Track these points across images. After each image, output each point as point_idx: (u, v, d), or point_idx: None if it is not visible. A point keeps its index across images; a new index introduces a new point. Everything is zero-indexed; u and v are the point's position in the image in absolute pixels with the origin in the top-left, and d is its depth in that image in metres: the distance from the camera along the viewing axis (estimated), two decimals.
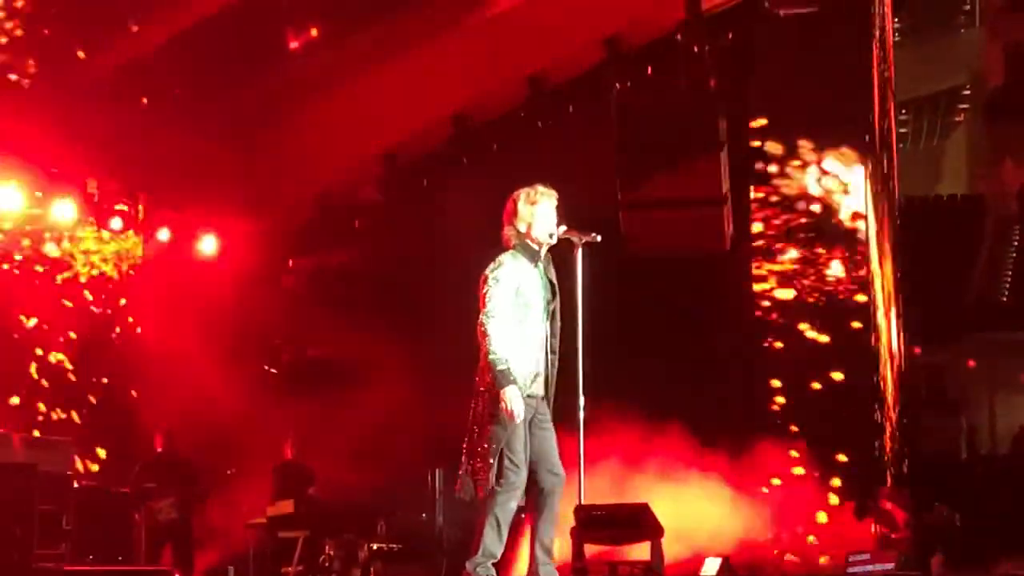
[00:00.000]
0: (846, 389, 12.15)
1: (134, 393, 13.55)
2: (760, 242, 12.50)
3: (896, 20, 14.42)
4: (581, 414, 7.17)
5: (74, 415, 13.01)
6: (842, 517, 11.59)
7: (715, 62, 12.55)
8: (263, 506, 12.41)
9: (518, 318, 6.94)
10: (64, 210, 12.80)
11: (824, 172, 12.33)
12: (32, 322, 12.86)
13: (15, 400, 12.35)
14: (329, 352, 14.41)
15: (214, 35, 11.84)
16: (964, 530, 11.50)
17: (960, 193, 23.11)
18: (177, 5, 11.85)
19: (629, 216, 12.19)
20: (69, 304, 13.29)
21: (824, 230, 12.35)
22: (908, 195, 17.07)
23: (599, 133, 12.93)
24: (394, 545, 11.92)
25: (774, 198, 12.46)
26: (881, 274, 12.68)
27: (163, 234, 13.88)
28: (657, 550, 7.41)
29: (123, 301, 13.88)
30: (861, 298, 12.20)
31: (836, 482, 11.74)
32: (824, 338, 12.21)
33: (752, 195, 12.61)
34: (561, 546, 7.19)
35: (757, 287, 12.53)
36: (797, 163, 12.40)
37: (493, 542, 6.84)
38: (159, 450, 12.86)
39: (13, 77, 11.83)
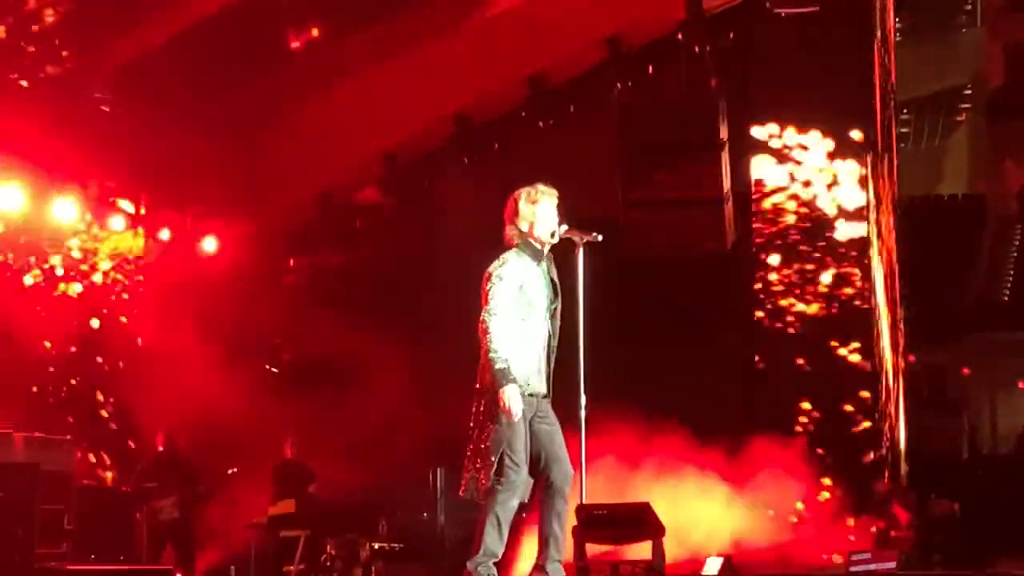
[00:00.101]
0: (847, 388, 12.15)
1: (134, 393, 13.57)
2: (761, 241, 12.49)
3: (897, 20, 14.41)
4: (583, 413, 7.18)
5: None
6: (842, 516, 11.59)
7: (716, 62, 12.56)
8: (264, 505, 12.42)
9: (521, 316, 6.94)
10: (65, 210, 12.81)
11: (825, 171, 12.33)
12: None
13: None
14: (329, 352, 14.41)
15: (214, 35, 11.84)
16: (965, 529, 11.50)
17: (961, 193, 23.09)
18: (177, 5, 11.86)
19: (630, 215, 12.21)
20: (77, 290, 13.31)
21: (825, 229, 12.34)
22: (909, 194, 17.05)
23: (600, 133, 12.95)
24: (395, 544, 11.92)
25: (775, 197, 12.45)
26: (882, 274, 12.68)
27: (164, 234, 13.89)
28: (658, 549, 7.42)
29: (125, 296, 13.89)
30: (861, 298, 12.20)
31: (834, 481, 11.75)
32: (824, 337, 12.20)
33: (753, 194, 12.60)
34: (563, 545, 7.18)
35: (758, 286, 12.52)
36: (798, 162, 12.40)
37: (494, 541, 6.84)
38: (160, 450, 12.86)
39: (15, 77, 11.83)
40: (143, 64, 12.34)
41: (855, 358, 12.17)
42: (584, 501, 7.34)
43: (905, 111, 22.38)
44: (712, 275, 12.86)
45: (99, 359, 13.57)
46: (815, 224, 12.43)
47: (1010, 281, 21.24)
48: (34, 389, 12.78)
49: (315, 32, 12.73)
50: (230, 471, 13.59)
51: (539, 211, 7.08)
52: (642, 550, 7.79)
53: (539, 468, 6.94)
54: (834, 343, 12.18)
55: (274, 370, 14.88)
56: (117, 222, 13.49)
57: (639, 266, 12.54)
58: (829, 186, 12.33)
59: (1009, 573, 9.47)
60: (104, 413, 13.46)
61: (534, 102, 13.43)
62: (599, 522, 7.41)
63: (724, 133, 12.66)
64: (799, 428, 11.94)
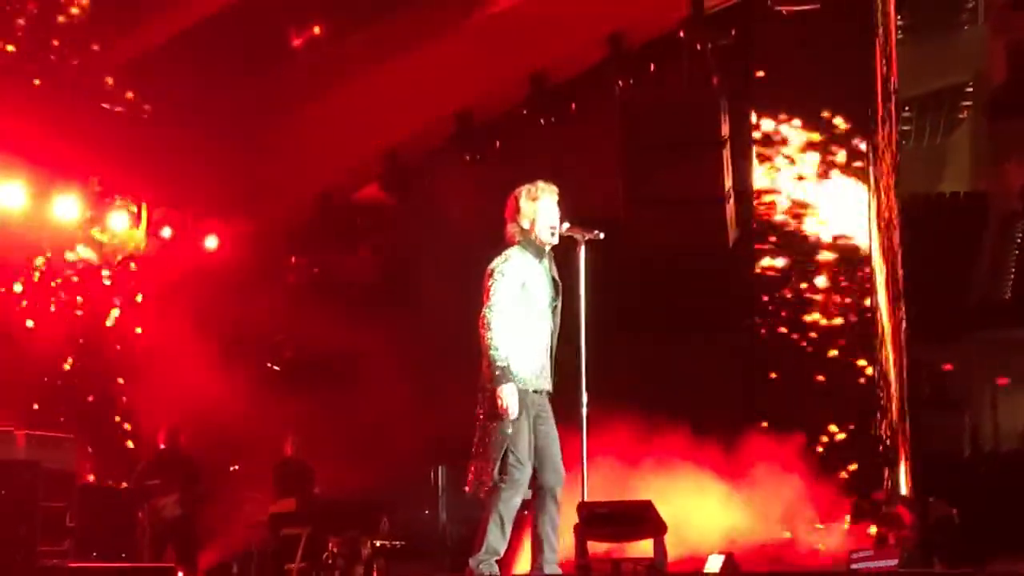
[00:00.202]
0: (848, 386, 12.15)
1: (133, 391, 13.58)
2: (762, 239, 12.48)
3: (898, 17, 14.40)
4: (584, 411, 7.18)
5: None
6: (841, 515, 11.59)
7: (717, 60, 12.55)
8: (266, 503, 12.43)
9: (524, 314, 6.95)
10: (66, 208, 12.81)
11: (826, 169, 12.32)
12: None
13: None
14: (331, 350, 14.42)
15: (216, 34, 11.84)
16: (967, 528, 11.50)
17: (963, 191, 23.09)
18: (178, 5, 11.86)
19: (632, 213, 12.20)
20: (78, 287, 13.32)
21: (826, 227, 12.34)
22: (911, 192, 17.04)
23: (601, 131, 12.94)
24: (397, 542, 11.92)
25: (776, 196, 12.45)
26: (883, 272, 12.68)
27: (165, 232, 13.89)
28: (660, 547, 7.41)
29: (121, 297, 13.90)
30: (862, 296, 12.19)
31: (835, 479, 11.75)
32: (825, 335, 12.20)
33: (754, 192, 12.59)
34: (564, 543, 7.19)
35: (759, 284, 12.52)
36: (799, 160, 12.39)
37: (496, 539, 6.85)
38: (162, 448, 12.87)
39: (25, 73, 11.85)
40: (144, 63, 12.35)
41: (856, 356, 12.16)
42: (585, 499, 7.33)
43: (907, 109, 22.35)
44: (713, 273, 12.86)
45: (100, 357, 13.59)
46: (816, 222, 12.43)
47: (1012, 279, 21.23)
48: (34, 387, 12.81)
49: (316, 31, 12.73)
50: (232, 469, 13.61)
51: (540, 208, 7.08)
52: (644, 548, 7.78)
53: (534, 469, 6.94)
54: (835, 341, 12.18)
55: (275, 368, 14.89)
56: (118, 220, 13.49)
57: (640, 264, 12.54)
58: (830, 184, 12.32)
59: (1009, 571, 9.46)
60: (116, 416, 13.48)
61: (535, 100, 13.42)
62: (600, 520, 7.40)
63: (726, 131, 12.65)
64: (800, 426, 11.92)
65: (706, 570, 8.76)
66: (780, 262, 12.40)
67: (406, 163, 14.34)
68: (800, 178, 12.47)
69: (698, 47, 12.46)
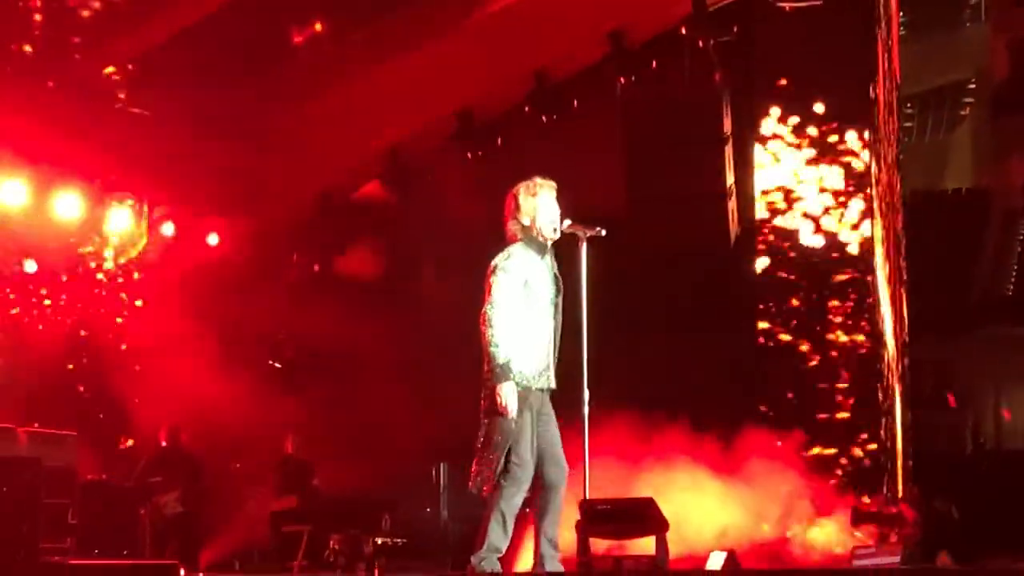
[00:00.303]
0: (850, 383, 12.13)
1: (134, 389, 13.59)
2: (763, 236, 12.46)
3: (901, 14, 14.38)
4: (586, 408, 7.17)
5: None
6: (842, 512, 11.58)
7: (719, 56, 12.54)
8: (267, 501, 12.44)
9: (526, 311, 6.94)
10: (68, 205, 12.82)
11: (828, 165, 12.30)
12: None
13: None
14: (332, 348, 14.43)
15: (217, 31, 11.84)
16: (968, 525, 11.48)
17: (965, 187, 23.06)
18: (179, 3, 11.86)
19: (633, 210, 12.20)
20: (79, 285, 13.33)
21: (827, 224, 12.32)
22: (913, 189, 17.01)
23: (603, 128, 12.95)
24: (399, 539, 11.93)
25: (778, 192, 12.43)
26: (885, 268, 12.66)
27: (166, 229, 13.89)
28: (662, 544, 7.40)
29: (124, 295, 13.90)
30: (864, 292, 12.18)
31: (838, 477, 11.74)
32: (827, 331, 12.18)
33: (756, 189, 12.57)
34: (566, 540, 7.19)
35: (760, 280, 12.50)
36: (801, 156, 12.37)
37: (498, 536, 6.85)
38: (164, 445, 12.88)
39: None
40: (145, 61, 12.35)
41: (857, 352, 12.14)
42: (587, 496, 7.33)
43: (909, 105, 22.34)
44: (714, 270, 12.85)
45: (101, 355, 13.59)
46: (818, 218, 12.40)
47: (1014, 276, 21.21)
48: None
49: (318, 28, 12.73)
50: (234, 466, 13.62)
51: (539, 204, 7.08)
52: (645, 545, 7.78)
53: (536, 466, 6.94)
54: (836, 337, 12.16)
55: (277, 366, 14.90)
56: (120, 218, 13.50)
57: (642, 261, 12.54)
58: (832, 180, 12.30)
59: (1010, 568, 9.45)
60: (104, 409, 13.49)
61: (536, 98, 13.41)
62: (602, 517, 7.39)
63: (727, 128, 12.66)
64: (801, 424, 11.91)
65: (708, 567, 8.75)
66: (781, 257, 12.37)
67: (407, 161, 14.33)
68: (801, 174, 12.45)
69: (700, 44, 12.46)
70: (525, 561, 7.75)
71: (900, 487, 11.91)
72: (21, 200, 12.37)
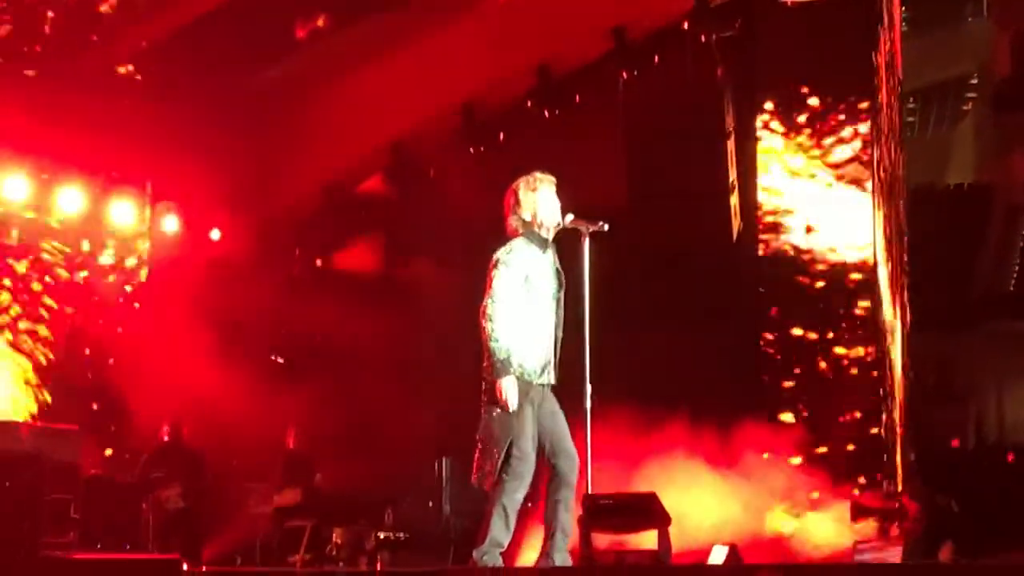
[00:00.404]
0: (851, 379, 12.13)
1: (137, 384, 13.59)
2: (766, 231, 12.46)
3: (903, 9, 14.37)
4: (588, 403, 7.18)
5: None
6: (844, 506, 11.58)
7: (722, 52, 12.53)
8: (269, 496, 12.45)
9: (528, 306, 6.94)
10: (71, 199, 12.82)
11: (830, 160, 12.30)
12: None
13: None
14: (334, 342, 14.43)
15: (222, 24, 11.84)
16: (970, 520, 11.48)
17: (967, 182, 23.04)
18: None
19: (636, 205, 12.19)
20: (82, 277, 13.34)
21: (829, 218, 12.31)
22: (915, 183, 17.01)
23: (606, 123, 12.94)
24: (401, 534, 11.94)
25: (780, 186, 12.43)
26: (887, 263, 12.66)
27: (170, 223, 13.90)
28: (664, 538, 7.41)
29: (129, 287, 13.91)
30: (866, 287, 12.18)
31: (839, 472, 11.74)
32: (829, 326, 12.18)
33: (758, 183, 12.57)
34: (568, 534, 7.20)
35: (762, 276, 12.50)
36: (803, 151, 12.37)
37: (500, 531, 6.86)
38: (166, 440, 12.89)
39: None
40: (149, 55, 12.36)
41: (859, 347, 12.14)
42: (589, 491, 7.34)
43: (911, 100, 22.31)
44: (717, 265, 12.84)
45: (102, 349, 13.60)
46: (820, 213, 12.40)
47: (1016, 271, 21.20)
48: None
49: (322, 22, 12.73)
50: (235, 461, 13.63)
51: (540, 198, 7.09)
52: (648, 539, 7.79)
53: (545, 458, 6.95)
54: (838, 332, 12.16)
55: (279, 361, 14.90)
56: (122, 212, 13.50)
57: (644, 256, 12.53)
58: (834, 175, 12.30)
59: (1011, 563, 9.46)
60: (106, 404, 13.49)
61: (539, 92, 13.41)
62: (605, 511, 7.40)
63: (730, 123, 12.65)
64: (804, 419, 11.92)
65: (710, 561, 8.76)
66: (783, 252, 12.37)
67: (409, 156, 14.33)
68: (803, 169, 12.45)
69: (702, 39, 12.45)
70: (527, 556, 7.76)
71: (901, 481, 11.91)
72: (23, 193, 12.37)
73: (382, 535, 11.75)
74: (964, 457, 15.95)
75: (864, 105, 12.25)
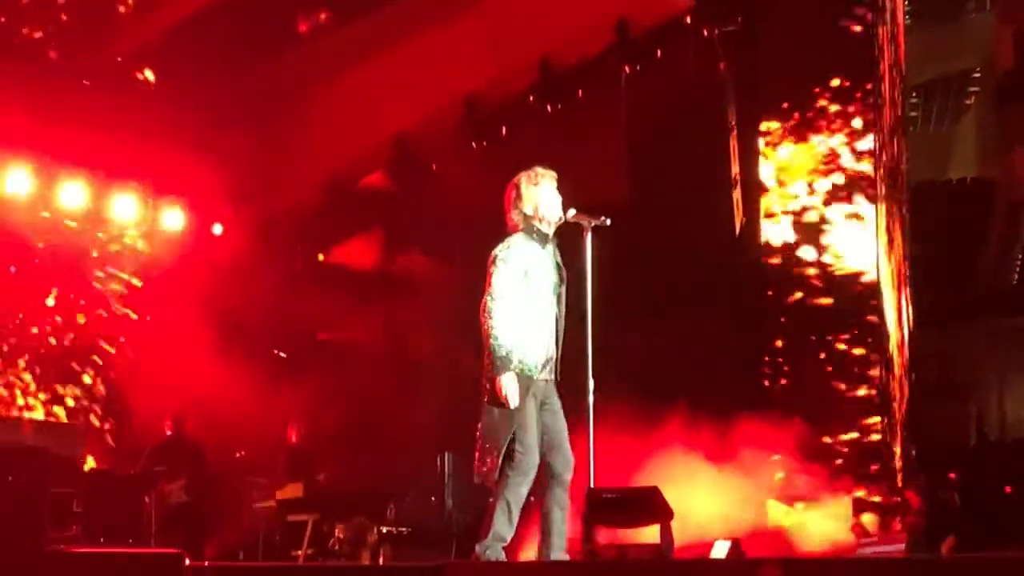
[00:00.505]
0: (853, 374, 12.13)
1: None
2: (768, 225, 12.46)
3: (906, 3, 14.37)
4: (590, 398, 7.18)
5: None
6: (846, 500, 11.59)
7: (724, 46, 12.52)
8: (272, 490, 12.45)
9: (528, 302, 6.94)
10: (73, 194, 12.82)
11: (833, 154, 12.29)
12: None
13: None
14: (337, 336, 14.43)
15: (224, 19, 11.84)
16: (971, 515, 11.49)
17: (970, 177, 23.03)
18: None
19: (638, 200, 12.19)
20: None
21: (832, 213, 12.31)
22: (917, 178, 17.00)
23: (608, 117, 12.93)
24: (403, 528, 11.95)
25: (783, 180, 12.42)
26: (889, 258, 12.66)
27: (172, 219, 13.90)
28: (667, 533, 7.42)
29: (137, 280, 13.93)
30: (868, 283, 12.17)
31: (841, 466, 11.75)
32: (831, 321, 12.18)
33: (761, 178, 12.57)
34: (571, 528, 7.20)
35: (765, 270, 12.49)
36: (805, 146, 12.36)
37: (503, 525, 6.86)
38: (168, 434, 12.90)
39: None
40: (151, 50, 12.35)
41: (861, 341, 12.13)
42: (592, 485, 7.34)
43: (914, 95, 22.29)
44: (719, 259, 12.83)
45: (104, 345, 13.62)
46: (822, 208, 12.39)
47: (1019, 266, 21.19)
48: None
49: (324, 16, 12.73)
50: (238, 455, 13.64)
51: (542, 192, 7.08)
52: (651, 534, 7.79)
53: (542, 456, 6.95)
54: (840, 327, 12.16)
55: (282, 355, 14.91)
56: (125, 207, 13.50)
57: (647, 250, 12.52)
58: (837, 170, 12.29)
59: (1014, 557, 9.46)
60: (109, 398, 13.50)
61: (542, 87, 13.40)
62: (607, 505, 7.41)
63: (732, 118, 12.63)
64: (806, 413, 11.92)
65: (712, 556, 8.77)
66: (786, 247, 12.36)
67: (412, 151, 14.33)
68: (806, 163, 12.44)
69: (705, 33, 12.44)
70: (530, 551, 7.76)
71: (903, 476, 11.91)
72: (25, 188, 12.37)
73: (384, 530, 11.75)
74: (966, 452, 15.94)
75: (867, 100, 12.24)
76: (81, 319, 13.28)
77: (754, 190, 12.59)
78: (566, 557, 6.95)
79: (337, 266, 15.12)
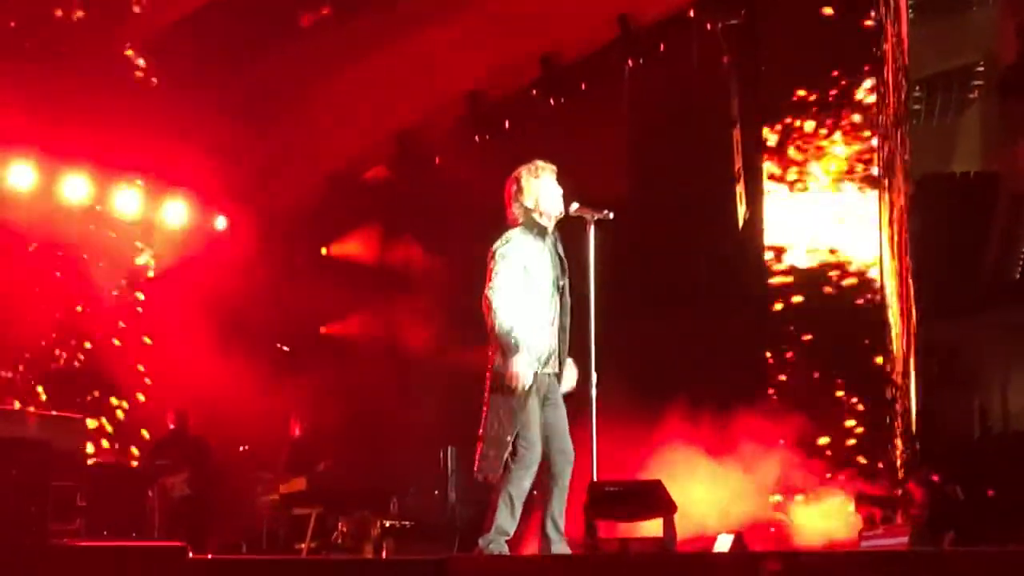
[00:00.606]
0: (856, 367, 12.12)
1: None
2: (771, 219, 12.45)
3: None
4: (593, 391, 7.17)
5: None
6: (849, 494, 11.59)
7: (728, 40, 12.51)
8: (275, 483, 12.46)
9: (528, 296, 6.93)
10: (75, 189, 12.83)
11: (836, 148, 12.28)
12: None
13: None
14: (341, 331, 14.44)
15: (226, 13, 11.83)
16: (975, 507, 11.48)
17: (973, 170, 23.02)
18: None
19: (641, 193, 12.18)
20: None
21: (836, 206, 12.29)
22: (921, 171, 17.00)
23: (611, 111, 12.92)
24: (406, 522, 11.96)
25: (786, 174, 12.41)
26: (892, 252, 12.65)
27: (175, 213, 13.90)
28: (670, 526, 7.41)
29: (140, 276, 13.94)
30: (871, 277, 12.16)
31: (843, 459, 11.75)
32: (835, 314, 12.17)
33: (764, 172, 12.56)
34: (573, 522, 7.20)
35: (768, 265, 12.49)
36: (809, 139, 12.35)
37: (506, 519, 6.86)
38: (171, 428, 12.91)
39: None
40: (153, 44, 12.35)
41: (865, 335, 12.13)
42: (595, 478, 7.34)
43: (917, 89, 22.27)
44: (722, 253, 12.83)
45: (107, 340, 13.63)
46: (825, 202, 12.38)
47: (1022, 259, 21.19)
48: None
49: (326, 10, 12.72)
50: (242, 448, 13.65)
51: (542, 185, 7.07)
52: (653, 527, 7.80)
53: (543, 450, 6.94)
54: (844, 320, 12.14)
55: (285, 349, 14.92)
56: (128, 201, 13.50)
57: (650, 244, 12.52)
58: (840, 163, 12.28)
59: (1013, 549, 9.45)
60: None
61: (545, 81, 13.40)
62: (610, 499, 7.40)
63: (735, 111, 12.62)
64: (809, 407, 11.91)
65: (715, 550, 8.76)
66: (789, 240, 12.35)
67: (416, 144, 14.33)
68: (809, 157, 12.42)
69: (708, 27, 12.43)
70: (533, 545, 7.76)
71: (906, 469, 11.91)
72: (29, 182, 12.38)
73: (387, 523, 11.76)
74: (969, 445, 15.94)
75: (870, 93, 12.22)
76: (79, 309, 13.27)
77: (757, 183, 12.58)
78: (568, 550, 6.95)
79: (340, 260, 15.12)
